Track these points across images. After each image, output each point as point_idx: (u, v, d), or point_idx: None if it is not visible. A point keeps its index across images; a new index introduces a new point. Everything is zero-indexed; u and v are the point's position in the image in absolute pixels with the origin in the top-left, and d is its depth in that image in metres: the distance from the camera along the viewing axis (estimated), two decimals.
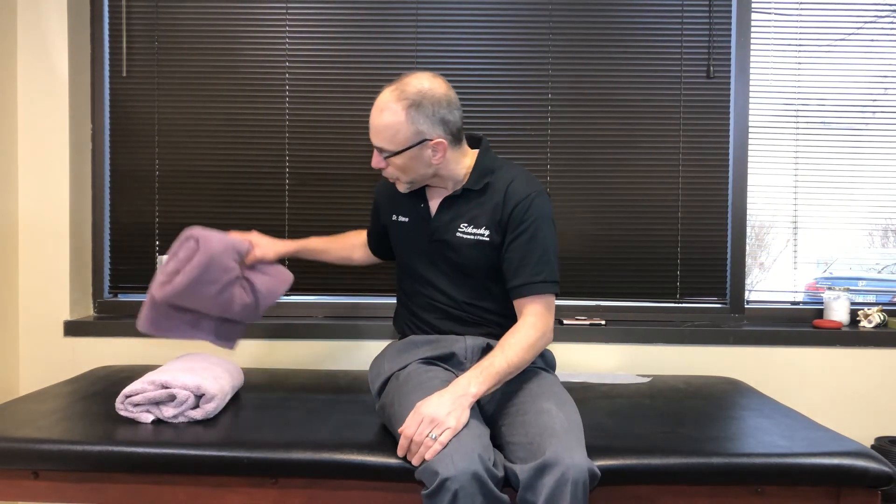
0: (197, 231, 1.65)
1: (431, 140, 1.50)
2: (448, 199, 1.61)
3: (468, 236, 1.58)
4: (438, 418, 1.29)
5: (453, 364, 1.58)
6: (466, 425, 1.31)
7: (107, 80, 2.35)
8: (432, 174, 1.57)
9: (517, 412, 1.42)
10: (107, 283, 2.38)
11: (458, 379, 1.39)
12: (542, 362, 1.65)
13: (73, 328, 2.24)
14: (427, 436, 1.28)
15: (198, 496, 1.43)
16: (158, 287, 1.61)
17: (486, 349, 1.56)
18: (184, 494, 1.43)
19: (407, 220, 1.67)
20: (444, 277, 1.62)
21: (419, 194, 1.65)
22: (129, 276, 2.36)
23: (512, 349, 1.45)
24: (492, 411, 1.50)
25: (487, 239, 1.57)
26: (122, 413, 1.55)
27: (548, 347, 1.66)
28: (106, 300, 2.38)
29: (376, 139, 1.53)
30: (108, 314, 2.36)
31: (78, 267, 2.30)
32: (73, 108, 2.26)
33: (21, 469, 1.42)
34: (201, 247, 1.61)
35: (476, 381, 1.37)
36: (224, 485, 1.42)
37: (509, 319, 1.58)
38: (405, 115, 1.48)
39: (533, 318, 1.51)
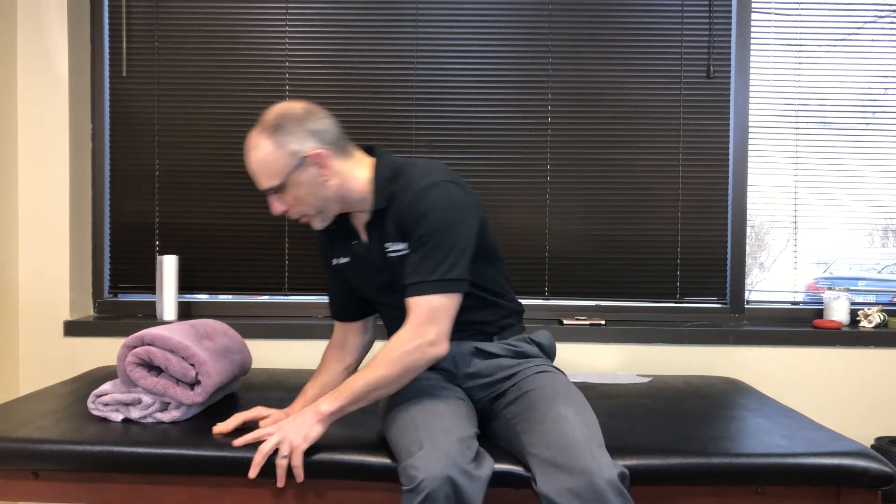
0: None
1: (308, 155, 1.42)
2: (368, 225, 1.52)
3: (396, 254, 1.47)
4: (287, 437, 1.34)
5: (447, 376, 1.55)
6: (444, 428, 1.30)
7: (107, 80, 2.35)
8: (336, 196, 1.46)
9: (534, 418, 1.37)
10: (107, 283, 2.38)
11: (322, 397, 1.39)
12: (540, 351, 1.59)
13: (73, 328, 2.24)
14: (280, 455, 1.33)
15: (198, 496, 1.43)
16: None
17: (476, 353, 1.53)
18: (184, 494, 1.43)
19: (347, 259, 1.58)
20: (402, 299, 1.49)
21: (349, 232, 1.56)
22: (129, 276, 2.36)
23: (371, 367, 1.37)
24: (501, 410, 1.47)
25: (409, 251, 1.45)
26: (94, 412, 1.57)
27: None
28: (106, 300, 2.38)
29: (260, 182, 1.45)
30: (108, 314, 2.36)
31: (78, 267, 2.30)
32: (73, 109, 2.26)
33: (21, 469, 1.42)
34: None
35: (329, 399, 1.36)
36: (224, 485, 1.42)
37: (492, 315, 1.54)
38: (272, 143, 1.41)
39: (408, 326, 1.38)
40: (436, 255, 1.39)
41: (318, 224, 1.50)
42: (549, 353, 1.63)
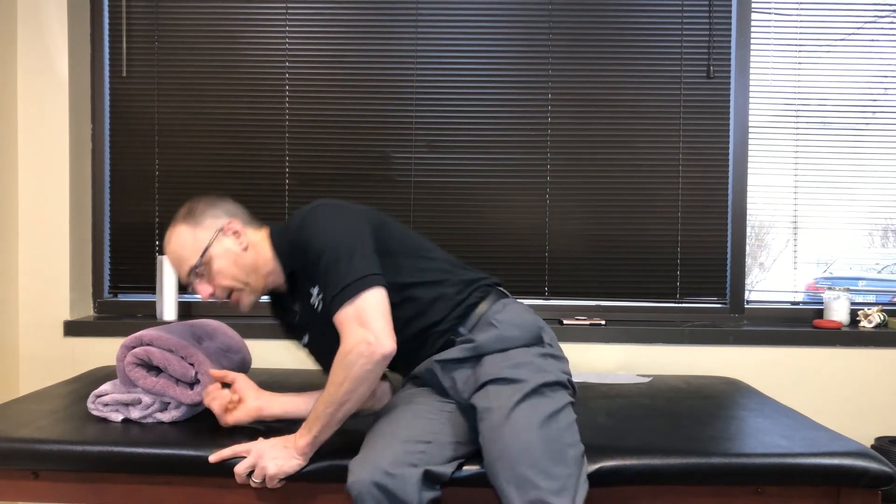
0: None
1: (223, 226, 1.47)
2: (291, 294, 1.53)
3: (320, 302, 1.45)
4: (261, 464, 1.35)
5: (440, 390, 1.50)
6: (390, 432, 1.30)
7: (107, 80, 2.35)
8: (254, 266, 1.48)
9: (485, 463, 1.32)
10: (107, 283, 2.38)
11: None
12: (504, 327, 1.42)
13: (73, 328, 2.24)
14: (253, 480, 1.35)
15: (198, 496, 1.43)
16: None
17: (442, 367, 1.44)
18: (184, 494, 1.43)
19: (307, 336, 1.56)
20: None
21: (288, 310, 1.57)
22: (129, 276, 2.36)
23: (326, 388, 1.34)
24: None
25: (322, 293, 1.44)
26: (94, 413, 1.57)
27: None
28: (106, 300, 2.38)
29: (183, 267, 1.46)
30: (108, 314, 2.36)
31: (78, 267, 2.30)
32: (73, 109, 2.26)
33: (21, 469, 1.42)
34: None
35: (302, 431, 1.35)
36: (224, 485, 1.42)
37: (440, 312, 1.45)
38: (187, 226, 1.47)
39: (343, 341, 1.33)
40: (332, 271, 1.35)
41: (247, 300, 1.49)
42: (516, 324, 1.45)
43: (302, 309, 1.51)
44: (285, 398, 1.56)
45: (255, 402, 1.52)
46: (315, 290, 1.45)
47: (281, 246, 1.50)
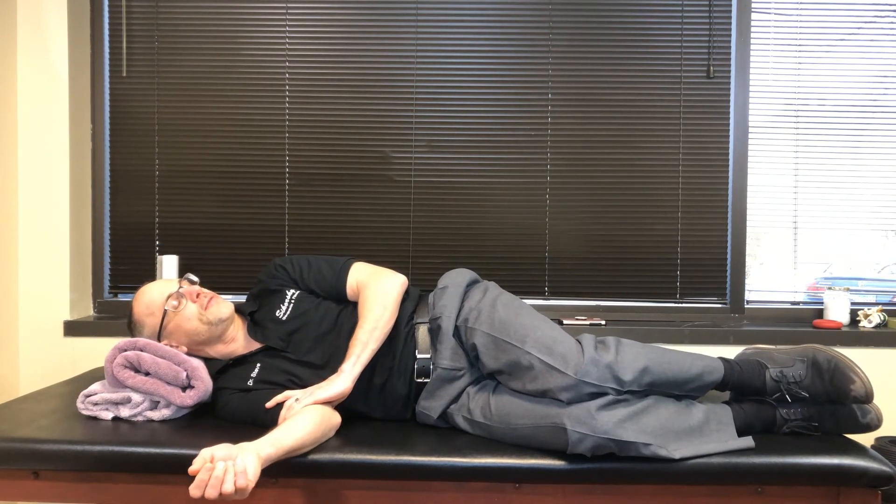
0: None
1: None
2: (252, 333, 1.67)
3: (294, 297, 1.70)
4: (317, 391, 1.46)
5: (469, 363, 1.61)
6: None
7: (107, 80, 2.35)
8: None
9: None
10: (107, 283, 2.38)
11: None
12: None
13: (73, 328, 2.24)
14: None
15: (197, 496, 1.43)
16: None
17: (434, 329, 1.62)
18: (184, 494, 1.43)
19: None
20: (345, 322, 1.65)
21: (258, 353, 1.66)
22: (129, 276, 2.36)
23: (365, 321, 1.55)
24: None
25: (299, 288, 1.72)
26: (84, 412, 1.57)
27: None
28: (106, 300, 2.38)
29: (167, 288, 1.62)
30: (108, 314, 2.36)
31: (78, 267, 2.30)
32: (73, 108, 2.26)
33: (21, 469, 1.42)
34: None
35: (350, 359, 1.50)
36: None
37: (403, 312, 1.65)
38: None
39: (369, 286, 1.61)
40: (317, 267, 1.71)
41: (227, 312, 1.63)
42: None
43: (281, 310, 1.67)
44: (266, 437, 1.30)
45: (254, 456, 1.20)
46: (290, 293, 1.68)
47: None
